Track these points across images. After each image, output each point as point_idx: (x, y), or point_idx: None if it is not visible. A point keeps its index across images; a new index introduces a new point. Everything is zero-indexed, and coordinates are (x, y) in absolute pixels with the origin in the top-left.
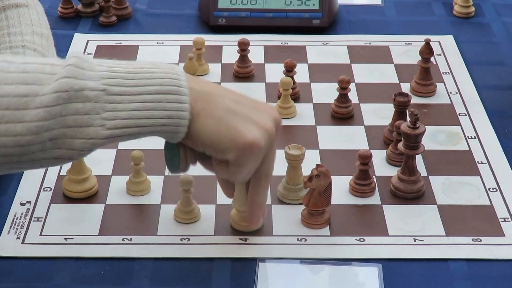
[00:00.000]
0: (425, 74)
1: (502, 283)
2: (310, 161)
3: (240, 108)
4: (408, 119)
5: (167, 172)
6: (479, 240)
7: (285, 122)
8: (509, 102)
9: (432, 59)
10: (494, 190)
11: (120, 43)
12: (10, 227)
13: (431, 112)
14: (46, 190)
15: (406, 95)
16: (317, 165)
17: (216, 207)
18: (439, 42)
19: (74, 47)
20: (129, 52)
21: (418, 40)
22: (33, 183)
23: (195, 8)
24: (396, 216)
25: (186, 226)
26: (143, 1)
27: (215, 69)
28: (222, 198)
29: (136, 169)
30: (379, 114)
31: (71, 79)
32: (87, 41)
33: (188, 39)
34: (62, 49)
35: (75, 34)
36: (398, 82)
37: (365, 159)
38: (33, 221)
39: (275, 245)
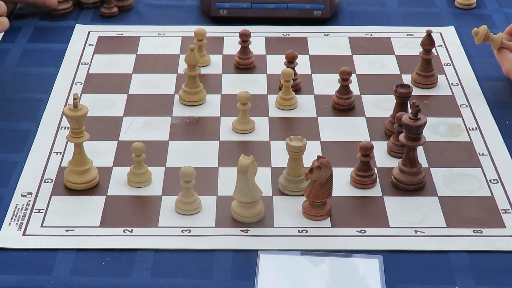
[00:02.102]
0: (427, 65)
1: (503, 275)
2: (311, 153)
3: None
4: (410, 110)
5: (168, 164)
6: (480, 231)
7: (286, 114)
8: (510, 93)
9: (433, 50)
10: (495, 181)
11: (122, 34)
12: (11, 219)
13: (432, 104)
14: (47, 182)
15: (407, 86)
16: (318, 157)
17: (217, 199)
18: (441, 33)
19: (75, 38)
20: (131, 43)
21: (420, 32)
22: (34, 175)
23: None
24: (397, 207)
25: (187, 217)
26: None
27: (216, 60)
28: (223, 189)
29: (137, 160)
30: (380, 105)
31: None
32: (89, 32)
33: (190, 30)
34: (63, 40)
35: (76, 25)
36: (399, 73)
37: (366, 151)
38: (34, 212)
39: (276, 236)
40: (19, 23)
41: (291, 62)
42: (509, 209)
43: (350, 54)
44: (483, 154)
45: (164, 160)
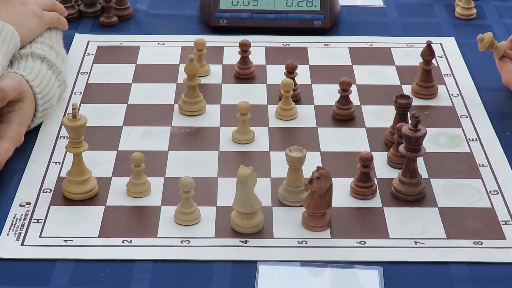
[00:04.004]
0: (427, 76)
1: (503, 286)
2: (311, 163)
3: None
4: (409, 121)
5: (167, 174)
6: (480, 243)
7: (286, 124)
8: (511, 104)
9: (433, 61)
10: (495, 192)
11: (121, 43)
12: (10, 229)
13: (432, 114)
14: (46, 192)
15: (407, 97)
16: (318, 167)
17: (217, 209)
18: (441, 44)
19: (75, 48)
20: (130, 53)
21: (420, 42)
22: (33, 184)
23: (196, 9)
24: (397, 218)
25: (186, 228)
26: (144, 2)
27: (216, 70)
28: (223, 200)
29: (137, 170)
30: (380, 116)
31: None
32: (88, 42)
33: (189, 40)
34: None
35: (76, 34)
36: (399, 84)
37: (366, 162)
38: (33, 222)
39: (276, 247)
40: None
41: (291, 72)
42: (509, 220)
43: (350, 64)
44: (483, 165)
45: (163, 170)
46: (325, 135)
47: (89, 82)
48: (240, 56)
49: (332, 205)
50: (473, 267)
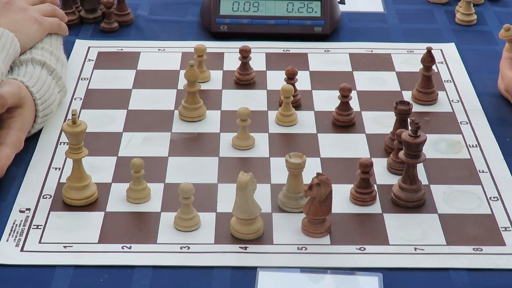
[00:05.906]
0: (427, 82)
1: None
2: (311, 169)
3: None
4: (409, 127)
5: (167, 180)
6: (480, 249)
7: (286, 130)
8: (511, 110)
9: (433, 67)
10: (495, 199)
11: (122, 49)
12: (9, 235)
13: (432, 120)
14: (46, 198)
15: (407, 103)
16: (318, 174)
17: (216, 215)
18: (441, 50)
19: (75, 53)
20: (130, 59)
21: (420, 48)
22: (32, 190)
23: (197, 15)
24: (397, 225)
25: (186, 234)
26: (145, 8)
27: (216, 76)
28: (223, 206)
29: (136, 176)
30: (381, 122)
31: None
32: (88, 48)
33: (190, 45)
34: None
35: (77, 40)
36: (399, 90)
37: (366, 168)
38: (32, 228)
39: (275, 253)
40: None
41: (291, 78)
42: (509, 227)
43: (351, 70)
44: (483, 171)
45: (163, 176)
46: (325, 141)
47: (89, 88)
48: (240, 62)
49: (332, 211)
50: (473, 274)
